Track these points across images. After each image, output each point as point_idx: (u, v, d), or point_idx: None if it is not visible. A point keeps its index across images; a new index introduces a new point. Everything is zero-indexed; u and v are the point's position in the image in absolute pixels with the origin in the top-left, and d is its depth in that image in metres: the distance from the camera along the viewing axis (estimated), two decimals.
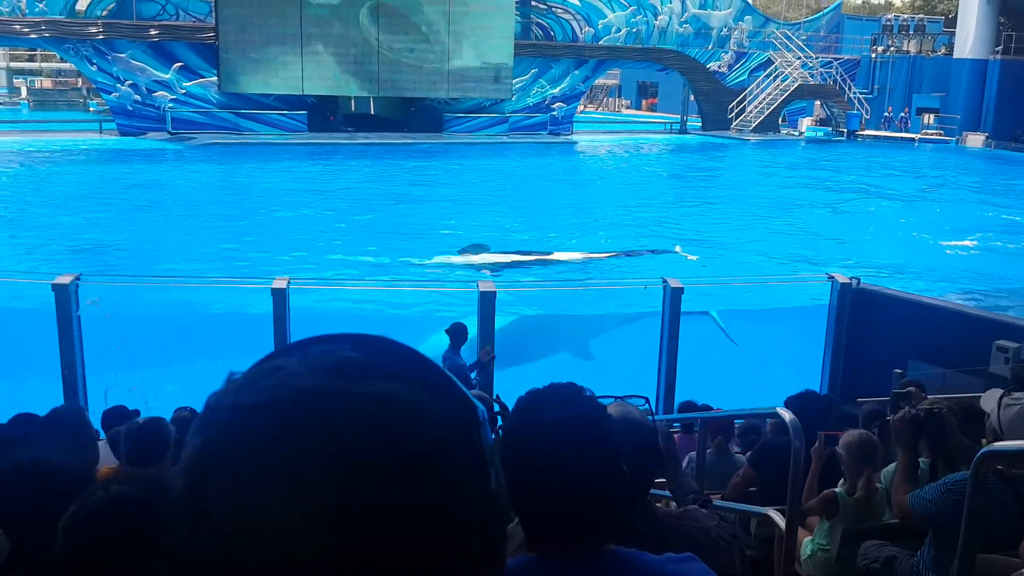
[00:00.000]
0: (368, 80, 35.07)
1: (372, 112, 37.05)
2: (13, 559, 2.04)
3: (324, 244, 18.34)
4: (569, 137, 39.55)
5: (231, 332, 12.05)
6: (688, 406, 8.29)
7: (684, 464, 5.75)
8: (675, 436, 7.12)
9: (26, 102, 47.35)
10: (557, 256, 17.45)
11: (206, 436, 0.65)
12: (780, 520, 4.46)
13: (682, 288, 9.50)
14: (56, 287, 9.04)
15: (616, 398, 2.13)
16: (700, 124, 43.33)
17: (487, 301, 9.22)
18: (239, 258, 16.77)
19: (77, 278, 9.18)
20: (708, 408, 7.98)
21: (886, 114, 44.42)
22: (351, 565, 0.60)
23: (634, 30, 40.65)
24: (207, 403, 0.68)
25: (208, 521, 0.61)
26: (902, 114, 44.21)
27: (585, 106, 50.76)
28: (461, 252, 16.92)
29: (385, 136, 35.41)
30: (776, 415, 4.64)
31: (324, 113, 35.49)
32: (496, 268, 15.94)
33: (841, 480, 4.83)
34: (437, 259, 16.43)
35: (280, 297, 9.22)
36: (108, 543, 1.64)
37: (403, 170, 29.59)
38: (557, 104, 39.52)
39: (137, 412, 5.74)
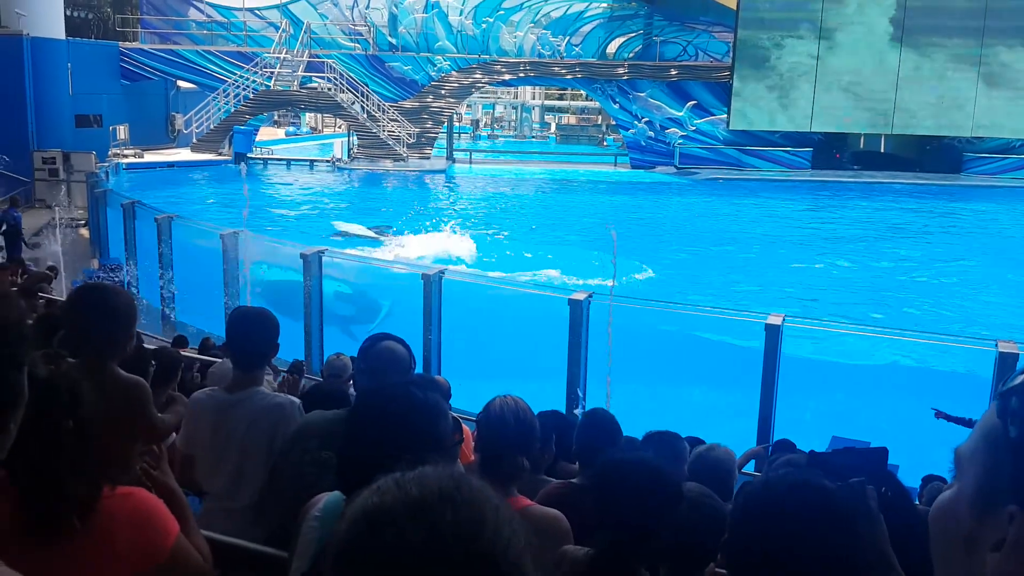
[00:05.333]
0: (882, 117, 33.48)
1: (882, 150, 35.28)
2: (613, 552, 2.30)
3: (821, 285, 17.89)
4: None
5: (716, 362, 12.27)
6: None
7: None
8: None
9: (554, 136, 53.01)
10: None
11: None
12: None
13: (1017, 354, 7.79)
14: (571, 302, 10.07)
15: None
16: None
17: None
18: (733, 290, 17.03)
19: (590, 296, 10.10)
20: None
21: None
22: None
23: None
24: None
25: None
26: None
27: None
28: None
29: (894, 175, 33.48)
30: None
31: (830, 150, 34.64)
32: None
33: None
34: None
35: (773, 334, 9.17)
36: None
37: (913, 212, 27.71)
38: None
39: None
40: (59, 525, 1.72)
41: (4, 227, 17.21)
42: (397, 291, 13.30)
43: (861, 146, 35.25)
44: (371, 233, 22.03)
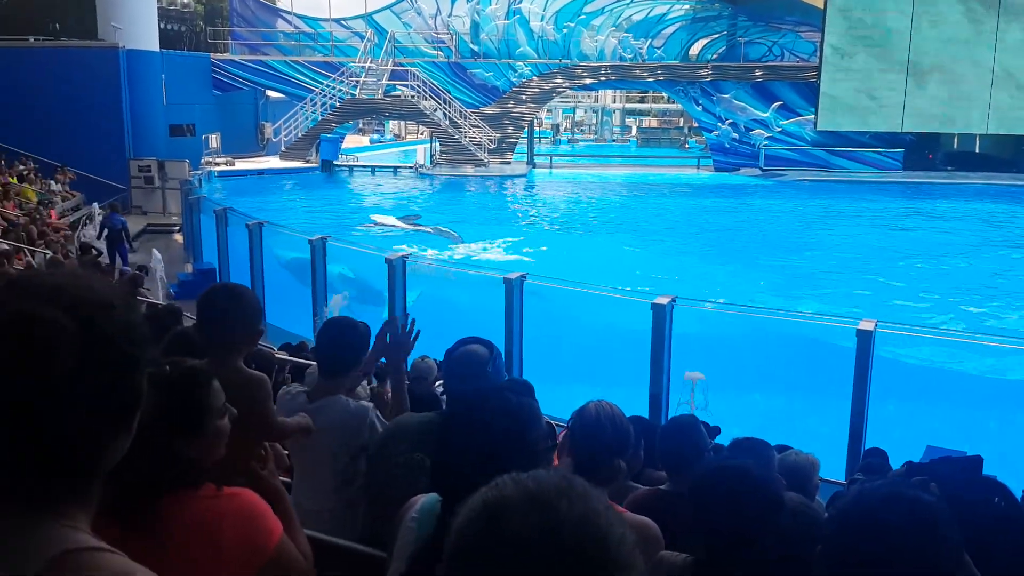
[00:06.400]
0: (977, 116, 32.34)
1: (976, 150, 34.11)
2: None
3: (912, 290, 17.37)
4: None
5: (804, 368, 12.00)
6: None
7: None
8: None
9: (635, 139, 52.69)
10: None
11: None
12: None
13: None
14: (655, 306, 9.93)
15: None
16: None
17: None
18: (823, 294, 16.67)
19: (673, 300, 9.96)
20: None
21: None
22: None
23: None
24: None
25: None
26: None
27: None
28: None
29: (990, 176, 32.31)
30: None
31: (922, 151, 33.64)
32: None
33: None
34: None
35: (865, 340, 8.92)
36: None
37: (1010, 215, 26.70)
38: None
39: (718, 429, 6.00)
40: (129, 516, 1.75)
41: (106, 232, 17.88)
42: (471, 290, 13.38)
43: (955, 146, 34.16)
44: (401, 223, 22.51)
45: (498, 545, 0.96)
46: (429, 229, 22.32)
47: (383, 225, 22.81)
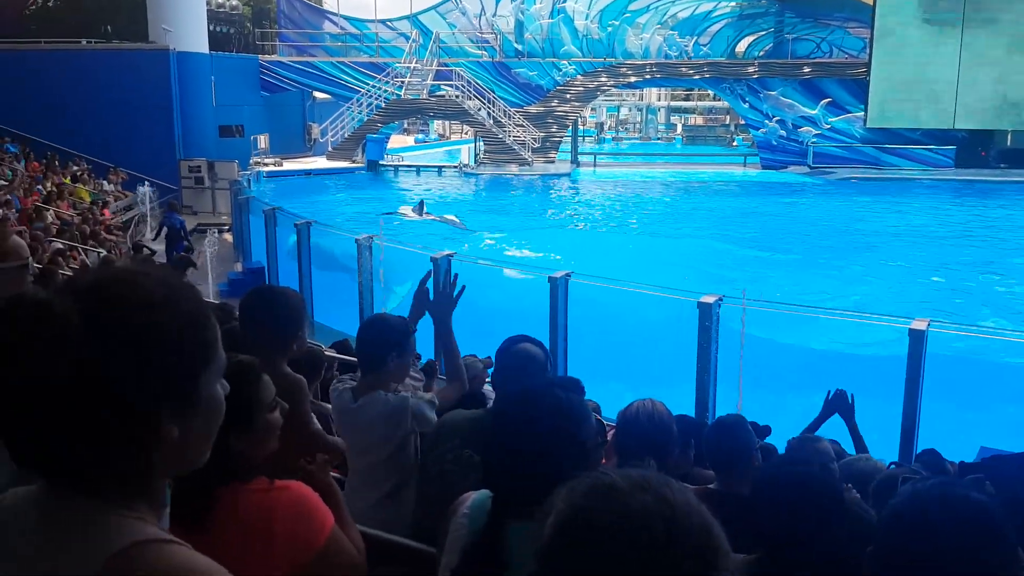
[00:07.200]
0: None
1: None
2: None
3: (967, 289, 17.03)
4: None
5: (853, 368, 11.81)
6: None
7: None
8: None
9: (680, 137, 52.34)
10: None
11: None
12: None
13: None
14: (701, 305, 9.83)
15: None
16: None
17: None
18: (871, 294, 16.40)
19: (720, 299, 9.85)
20: None
21: None
22: None
23: None
24: None
25: None
26: None
27: None
28: None
29: None
30: None
31: (975, 148, 32.95)
32: None
33: None
34: None
35: (917, 340, 8.75)
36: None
37: None
38: None
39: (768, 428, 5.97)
40: (182, 509, 1.76)
41: (165, 230, 18.19)
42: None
43: (1008, 143, 33.40)
44: (411, 213, 22.58)
45: (619, 517, 1.00)
46: (436, 218, 22.31)
47: (400, 215, 22.97)
